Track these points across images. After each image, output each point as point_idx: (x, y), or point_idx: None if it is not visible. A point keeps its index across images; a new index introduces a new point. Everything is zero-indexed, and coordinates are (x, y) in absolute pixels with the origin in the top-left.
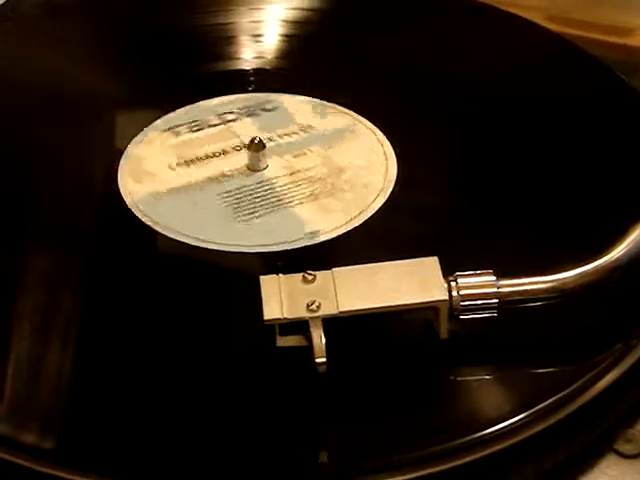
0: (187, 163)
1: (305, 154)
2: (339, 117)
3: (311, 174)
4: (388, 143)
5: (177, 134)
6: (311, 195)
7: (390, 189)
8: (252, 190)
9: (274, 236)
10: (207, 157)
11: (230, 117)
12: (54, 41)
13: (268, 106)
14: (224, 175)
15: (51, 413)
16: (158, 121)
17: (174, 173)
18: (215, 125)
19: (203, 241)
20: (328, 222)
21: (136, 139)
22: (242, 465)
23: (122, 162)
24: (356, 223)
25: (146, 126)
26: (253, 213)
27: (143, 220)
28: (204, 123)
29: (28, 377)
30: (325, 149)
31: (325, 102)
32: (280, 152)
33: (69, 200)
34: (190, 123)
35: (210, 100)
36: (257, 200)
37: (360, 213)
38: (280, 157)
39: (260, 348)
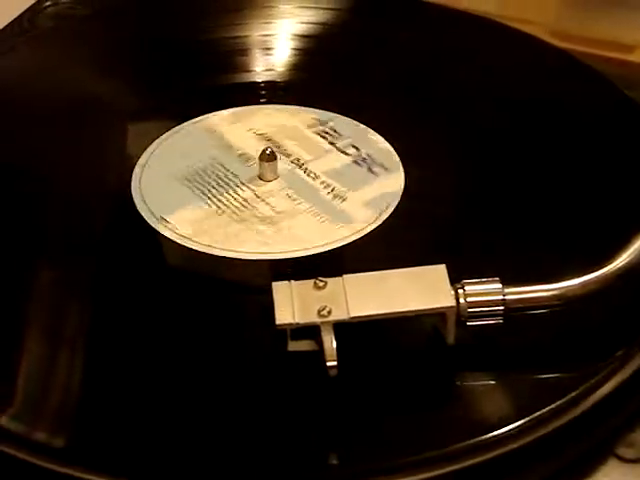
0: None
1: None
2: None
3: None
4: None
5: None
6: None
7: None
8: (266, 199)
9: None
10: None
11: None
12: (70, 52)
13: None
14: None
15: (63, 412)
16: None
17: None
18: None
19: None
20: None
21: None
22: (253, 465)
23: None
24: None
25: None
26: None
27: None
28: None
29: (40, 377)
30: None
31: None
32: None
33: (84, 209)
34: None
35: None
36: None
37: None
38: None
39: (272, 352)
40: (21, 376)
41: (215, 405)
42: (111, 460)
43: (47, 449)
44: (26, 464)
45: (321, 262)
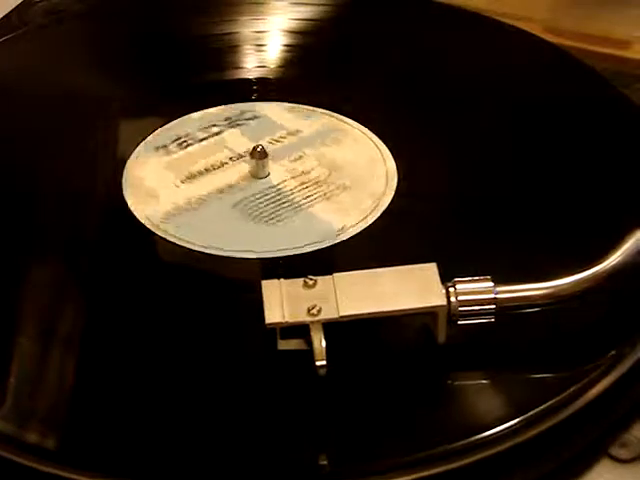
0: (188, 179)
1: (301, 158)
2: (327, 121)
3: (313, 177)
4: (388, 152)
5: (168, 152)
6: (321, 197)
7: (390, 197)
8: (261, 197)
9: (282, 241)
10: (207, 171)
11: (215, 130)
12: (61, 48)
13: (249, 115)
14: (230, 186)
15: (55, 413)
16: (149, 137)
17: (178, 190)
18: (203, 139)
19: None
20: (338, 224)
21: (132, 158)
22: (243, 465)
23: (124, 182)
24: (356, 230)
25: (147, 135)
26: (261, 220)
27: (150, 228)
28: (191, 139)
29: (32, 377)
30: (320, 156)
31: (315, 108)
32: (277, 158)
33: (76, 207)
34: (176, 140)
35: (191, 115)
36: (269, 206)
37: (360, 220)
38: (279, 163)
39: (262, 351)
40: (12, 376)
41: (205, 405)
42: (102, 461)
43: (38, 450)
44: (17, 465)
45: (311, 260)
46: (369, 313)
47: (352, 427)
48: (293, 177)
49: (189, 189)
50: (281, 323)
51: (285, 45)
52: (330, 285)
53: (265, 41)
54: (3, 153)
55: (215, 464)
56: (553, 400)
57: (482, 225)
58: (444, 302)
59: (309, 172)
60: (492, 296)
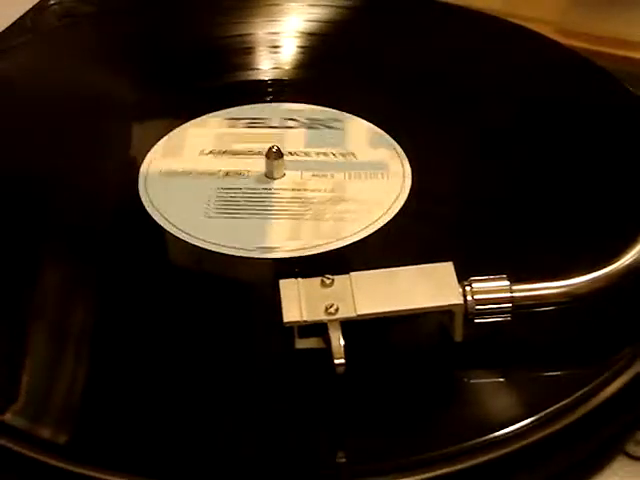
0: (219, 153)
1: (325, 176)
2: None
3: (313, 195)
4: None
5: (234, 125)
6: (298, 214)
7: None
8: (273, 196)
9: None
10: (241, 153)
11: (290, 124)
12: (74, 51)
13: (333, 124)
14: (238, 173)
15: (67, 409)
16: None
17: (199, 158)
18: (272, 127)
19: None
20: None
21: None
22: (256, 463)
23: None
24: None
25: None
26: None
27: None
28: (264, 123)
29: (45, 374)
30: (345, 175)
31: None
32: (304, 168)
33: (90, 208)
34: (253, 119)
35: (282, 104)
36: (245, 203)
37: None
38: (299, 172)
39: (280, 350)
40: (25, 372)
41: (220, 402)
42: (114, 457)
43: (50, 445)
44: (30, 460)
45: (328, 260)
46: (386, 312)
47: (367, 425)
48: (295, 189)
49: (206, 160)
50: (299, 322)
51: (300, 46)
52: (347, 284)
53: (280, 43)
54: (19, 153)
55: (228, 462)
56: (568, 399)
57: (498, 224)
58: (461, 301)
59: (313, 191)
60: (508, 295)
